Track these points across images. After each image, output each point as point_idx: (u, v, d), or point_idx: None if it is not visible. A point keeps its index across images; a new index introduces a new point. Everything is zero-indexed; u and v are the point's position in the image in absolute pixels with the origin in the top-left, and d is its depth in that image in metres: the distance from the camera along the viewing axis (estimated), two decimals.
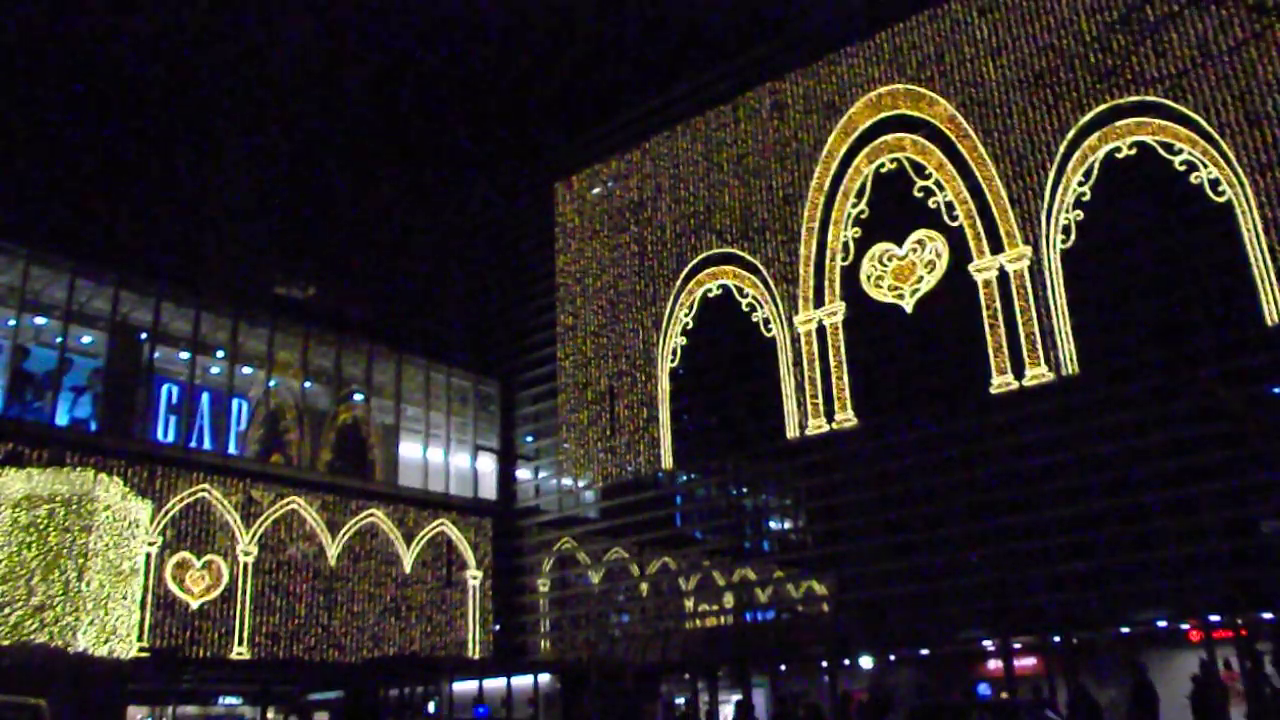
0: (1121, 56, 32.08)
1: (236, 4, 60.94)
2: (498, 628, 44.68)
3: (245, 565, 36.86)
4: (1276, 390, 29.52)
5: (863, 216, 38.00)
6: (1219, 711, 21.06)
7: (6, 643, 25.00)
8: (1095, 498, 30.41)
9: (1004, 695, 28.26)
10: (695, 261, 42.40)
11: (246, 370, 40.78)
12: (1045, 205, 33.54)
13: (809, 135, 39.93)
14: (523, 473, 47.94)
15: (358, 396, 43.90)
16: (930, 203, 36.29)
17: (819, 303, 38.31)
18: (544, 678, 35.92)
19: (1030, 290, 33.35)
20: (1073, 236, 33.02)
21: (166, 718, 35.87)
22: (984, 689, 29.84)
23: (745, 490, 41.87)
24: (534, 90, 63.09)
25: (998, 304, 33.93)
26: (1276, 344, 28.57)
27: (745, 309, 40.60)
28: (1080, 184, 33.13)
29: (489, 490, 47.04)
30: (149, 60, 55.08)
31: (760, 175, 41.09)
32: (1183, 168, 31.32)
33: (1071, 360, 32.19)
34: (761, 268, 40.20)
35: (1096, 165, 32.94)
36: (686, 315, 42.45)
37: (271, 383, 40.96)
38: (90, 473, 28.18)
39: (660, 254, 43.74)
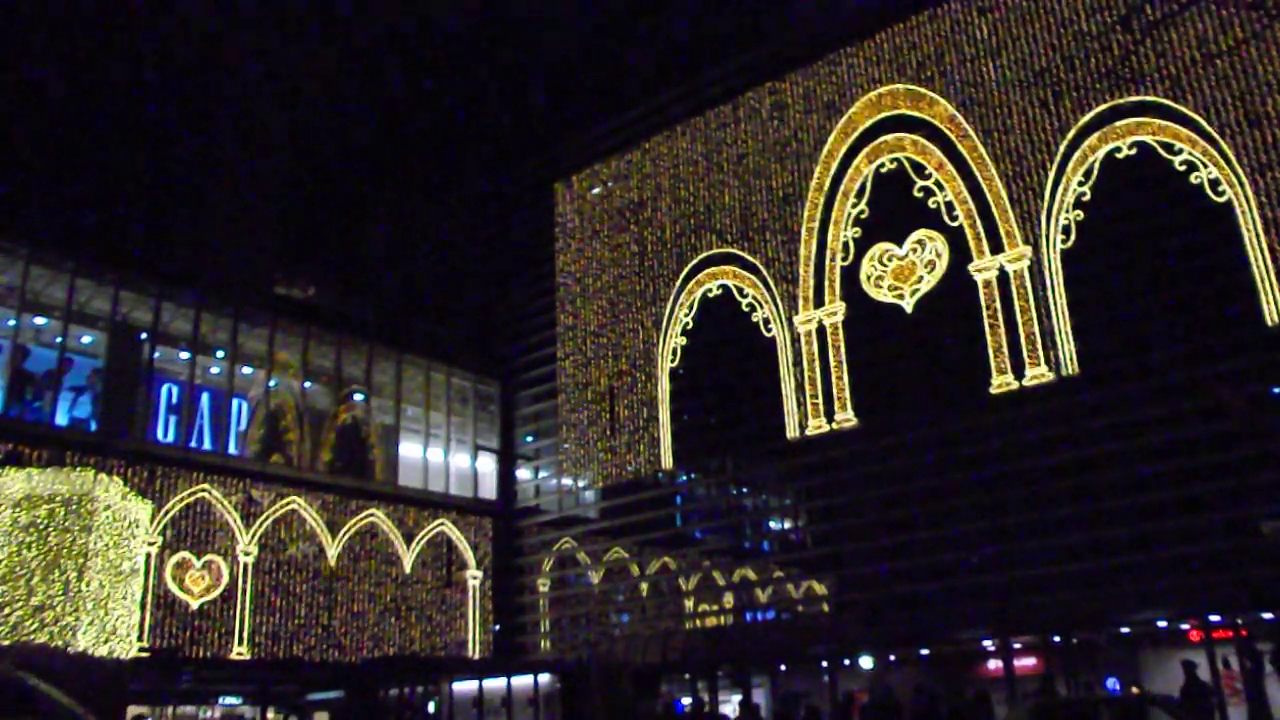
0: (1121, 56, 32.09)
1: (237, 5, 60.96)
2: (498, 628, 44.64)
3: (245, 565, 36.86)
4: (1277, 390, 29.50)
5: (863, 216, 37.99)
6: (1208, 714, 21.04)
7: (6, 643, 24.97)
8: (1095, 498, 30.39)
9: (1134, 690, 27.67)
10: (695, 261, 42.38)
11: (246, 370, 40.78)
12: (1045, 205, 33.54)
13: (809, 135, 39.91)
14: (523, 473, 47.91)
15: (358, 396, 43.88)
16: (930, 203, 36.28)
17: (819, 303, 38.30)
18: (544, 678, 35.91)
19: (1030, 290, 33.34)
20: (1073, 236, 33.02)
21: (166, 718, 35.87)
22: (1112, 684, 29.02)
23: (745, 490, 41.87)
24: (534, 90, 63.11)
25: (998, 304, 33.93)
26: (1276, 344, 28.56)
27: (745, 309, 40.59)
28: (1080, 184, 33.13)
29: (489, 490, 47.00)
30: (150, 60, 55.09)
31: (760, 175, 41.07)
32: (1183, 168, 31.31)
33: (1071, 360, 32.18)
34: (761, 268, 40.19)
35: (1096, 165, 32.93)
36: (686, 315, 42.44)
37: (271, 383, 40.95)
38: (90, 473, 28.13)
39: (660, 254, 43.72)
